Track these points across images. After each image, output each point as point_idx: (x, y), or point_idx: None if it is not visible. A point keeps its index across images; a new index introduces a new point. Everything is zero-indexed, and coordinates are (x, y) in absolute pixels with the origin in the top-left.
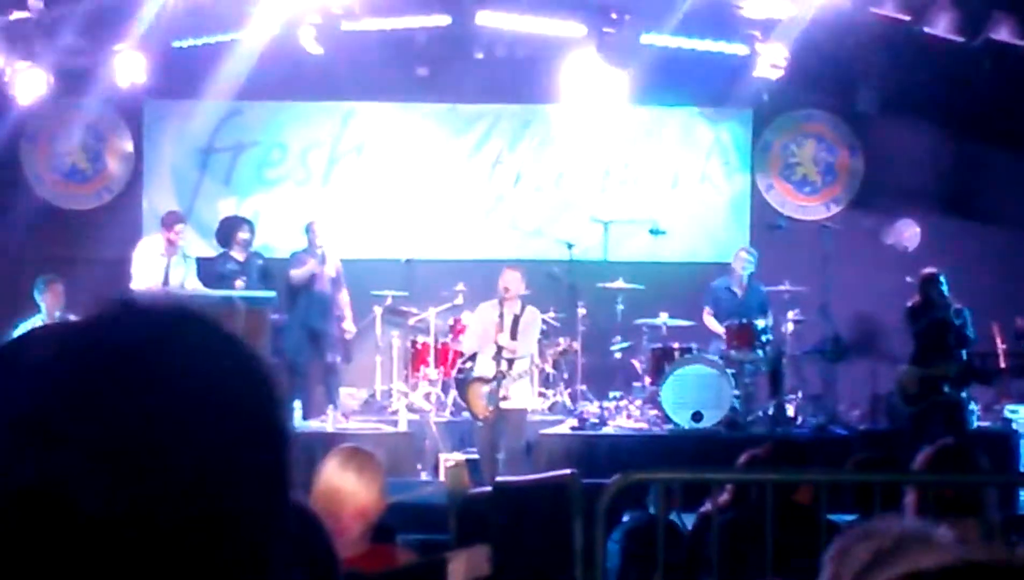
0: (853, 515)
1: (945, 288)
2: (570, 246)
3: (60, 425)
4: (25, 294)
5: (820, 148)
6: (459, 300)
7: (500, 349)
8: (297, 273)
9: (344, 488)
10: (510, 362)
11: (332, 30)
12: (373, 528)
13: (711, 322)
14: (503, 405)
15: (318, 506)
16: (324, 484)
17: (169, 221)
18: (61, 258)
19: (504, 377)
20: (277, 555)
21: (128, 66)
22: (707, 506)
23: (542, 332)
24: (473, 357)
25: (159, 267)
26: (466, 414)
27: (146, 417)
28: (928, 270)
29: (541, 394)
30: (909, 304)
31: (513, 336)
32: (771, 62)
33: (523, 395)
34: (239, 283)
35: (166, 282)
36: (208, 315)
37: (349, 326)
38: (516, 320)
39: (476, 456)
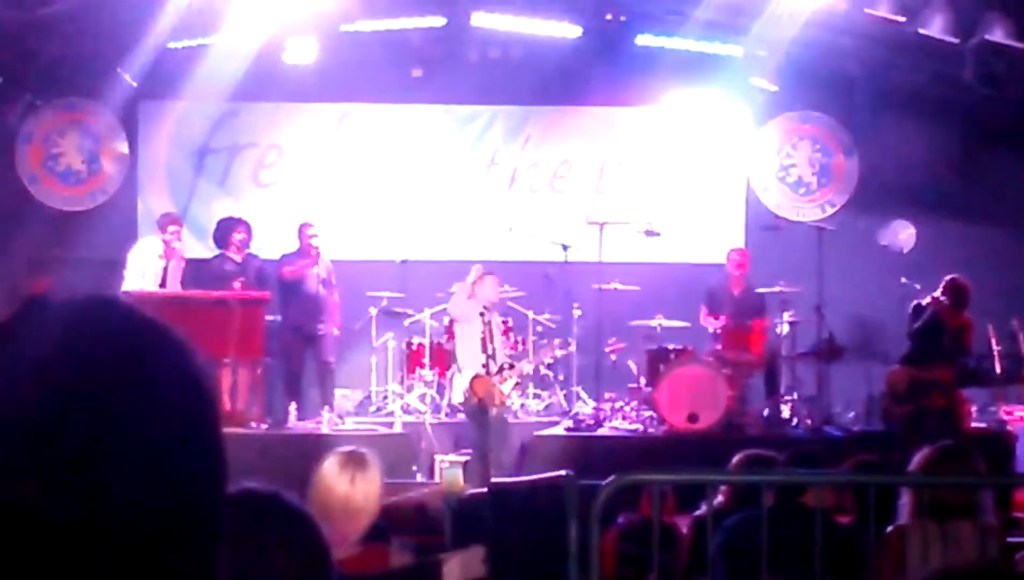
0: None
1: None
2: (565, 247)
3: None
4: (19, 296)
5: (815, 149)
6: None
7: (493, 355)
8: (289, 269)
9: (340, 490)
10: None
11: (328, 31)
12: (368, 529)
13: (708, 321)
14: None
15: (314, 508)
16: (321, 486)
17: (163, 223)
18: (55, 260)
19: (501, 370)
20: (213, 552)
21: (124, 68)
22: (703, 508)
23: (537, 334)
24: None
25: (156, 270)
26: (461, 416)
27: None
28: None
29: (536, 395)
30: (917, 302)
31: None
32: (766, 63)
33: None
34: (237, 284)
35: (163, 285)
36: (131, 306)
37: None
38: (489, 325)
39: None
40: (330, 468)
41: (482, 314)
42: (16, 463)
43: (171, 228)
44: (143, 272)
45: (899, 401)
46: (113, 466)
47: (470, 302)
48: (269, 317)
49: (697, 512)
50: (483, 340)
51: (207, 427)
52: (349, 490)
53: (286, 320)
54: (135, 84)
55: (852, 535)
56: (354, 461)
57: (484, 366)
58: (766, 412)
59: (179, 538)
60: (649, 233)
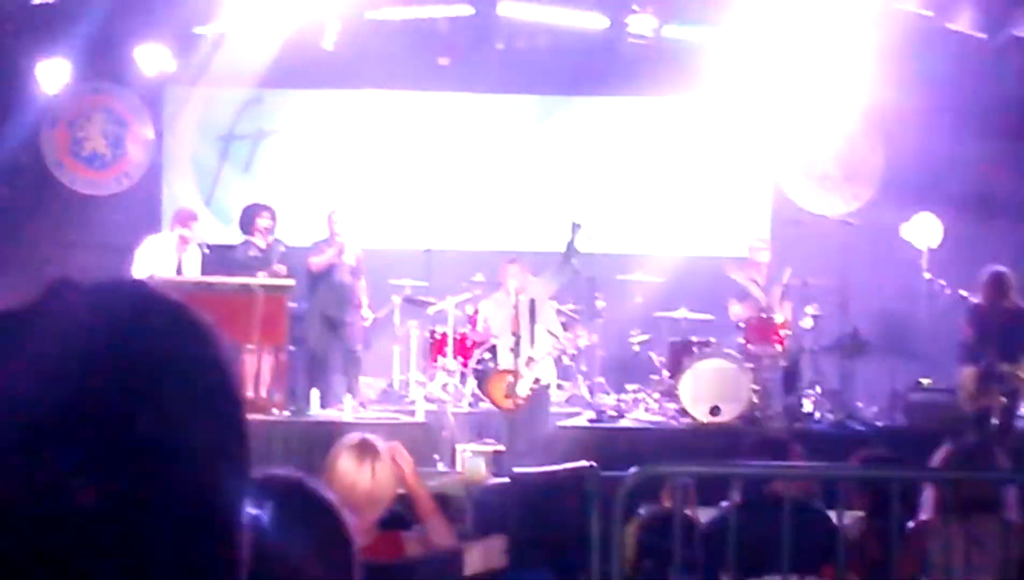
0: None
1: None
2: (590, 238)
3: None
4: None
5: (839, 143)
6: (478, 291)
7: (518, 340)
8: (316, 261)
9: (351, 477)
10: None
11: (355, 19)
12: (383, 517)
13: (736, 310)
14: (534, 386)
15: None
16: (332, 473)
17: (178, 218)
18: (80, 244)
19: (528, 362)
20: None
21: (151, 53)
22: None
23: (561, 324)
24: (492, 349)
25: (171, 262)
26: (484, 405)
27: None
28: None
29: (559, 386)
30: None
31: (532, 320)
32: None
33: (547, 372)
34: (264, 273)
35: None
36: (157, 289)
37: (366, 313)
38: (532, 304)
39: (496, 447)
40: (341, 454)
41: (515, 303)
42: (46, 444)
43: (182, 227)
44: (154, 266)
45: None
46: (144, 447)
47: (499, 296)
48: (296, 304)
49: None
50: (515, 330)
51: (230, 411)
52: (355, 475)
53: (314, 307)
54: (161, 68)
55: (829, 524)
56: (368, 451)
57: (513, 350)
58: (789, 406)
59: (201, 524)
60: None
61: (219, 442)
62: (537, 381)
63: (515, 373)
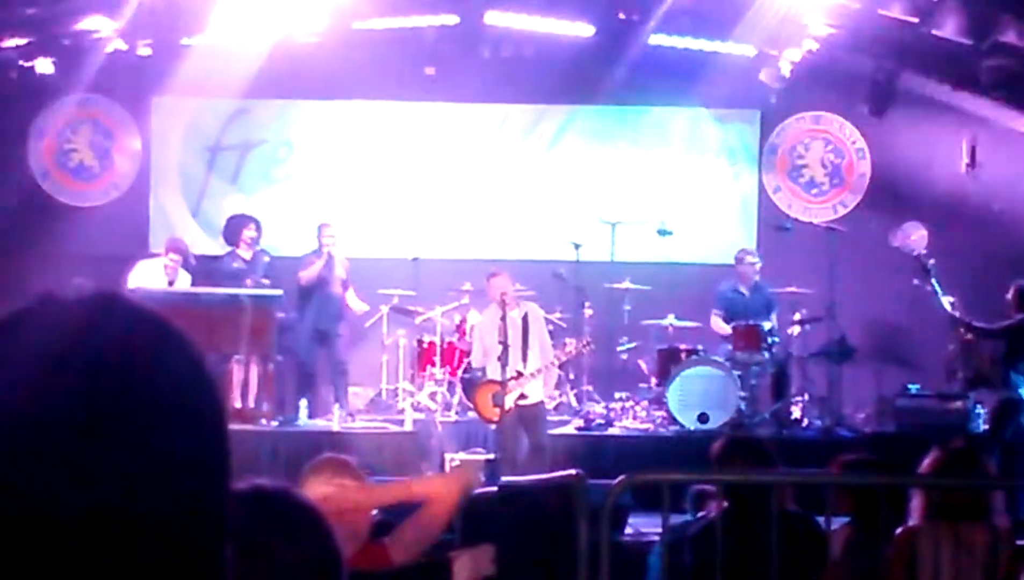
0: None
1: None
2: (577, 246)
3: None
4: (30, 291)
5: (827, 150)
6: (465, 299)
7: (506, 350)
8: (305, 274)
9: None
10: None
11: (340, 29)
12: (367, 529)
13: (719, 325)
14: (520, 402)
15: None
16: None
17: (176, 247)
18: (67, 255)
19: (517, 377)
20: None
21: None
22: (711, 509)
23: (549, 333)
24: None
25: (162, 285)
26: (472, 414)
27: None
28: None
29: (548, 395)
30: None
31: (525, 336)
32: (779, 64)
33: (536, 390)
34: (249, 282)
35: None
36: (137, 302)
37: (358, 305)
38: (525, 319)
39: (486, 455)
40: (310, 476)
41: (502, 315)
42: (18, 456)
43: (172, 256)
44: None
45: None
46: (115, 461)
47: (488, 310)
48: (281, 314)
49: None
50: (501, 339)
51: (211, 423)
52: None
53: (303, 319)
54: (147, 80)
55: (817, 529)
56: (330, 466)
57: (500, 359)
58: (777, 413)
59: (182, 535)
60: (662, 232)
61: (200, 454)
62: (523, 396)
63: (502, 384)
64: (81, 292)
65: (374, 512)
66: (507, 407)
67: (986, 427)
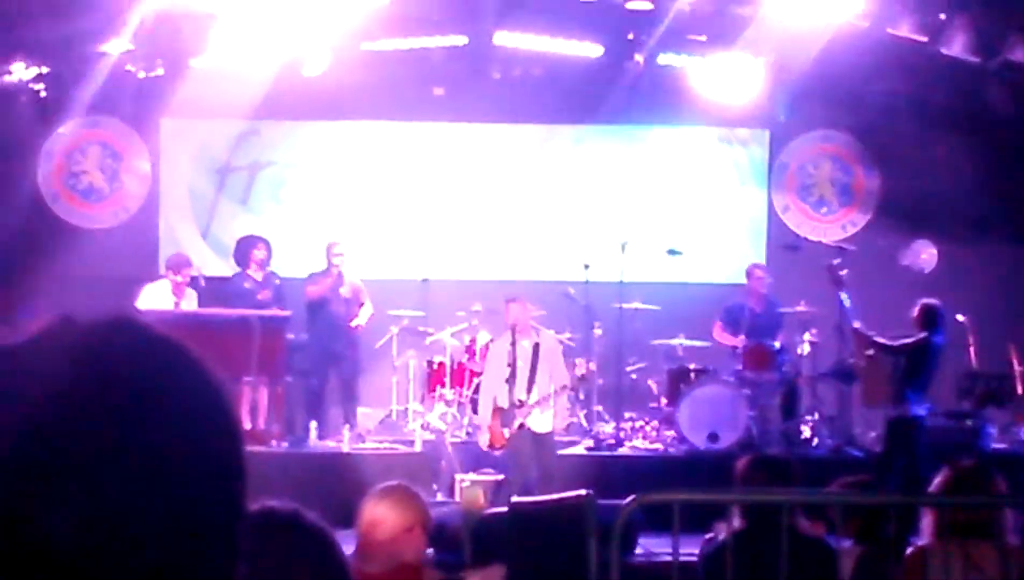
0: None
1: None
2: (586, 267)
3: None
4: (41, 313)
5: (836, 169)
6: (475, 320)
7: (513, 376)
8: (313, 289)
9: (375, 515)
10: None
11: (349, 50)
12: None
13: (723, 336)
14: (530, 428)
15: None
16: (361, 511)
17: (175, 264)
18: (77, 277)
19: (520, 405)
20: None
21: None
22: (719, 530)
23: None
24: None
25: (169, 306)
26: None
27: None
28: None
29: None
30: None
31: (534, 365)
32: (788, 82)
33: (543, 421)
34: (262, 296)
35: None
36: (149, 325)
37: (365, 314)
38: (536, 349)
39: (495, 477)
40: (370, 499)
41: (512, 341)
42: (27, 480)
43: (184, 270)
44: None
45: None
46: (125, 485)
47: (504, 335)
48: (294, 336)
49: (708, 535)
50: (509, 363)
51: (224, 445)
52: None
53: (312, 339)
54: (156, 102)
55: (830, 550)
56: (392, 492)
57: (508, 382)
58: (787, 432)
59: (196, 557)
60: (672, 252)
61: (214, 477)
62: (523, 426)
63: (505, 410)
64: (95, 315)
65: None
66: (507, 435)
67: (880, 448)
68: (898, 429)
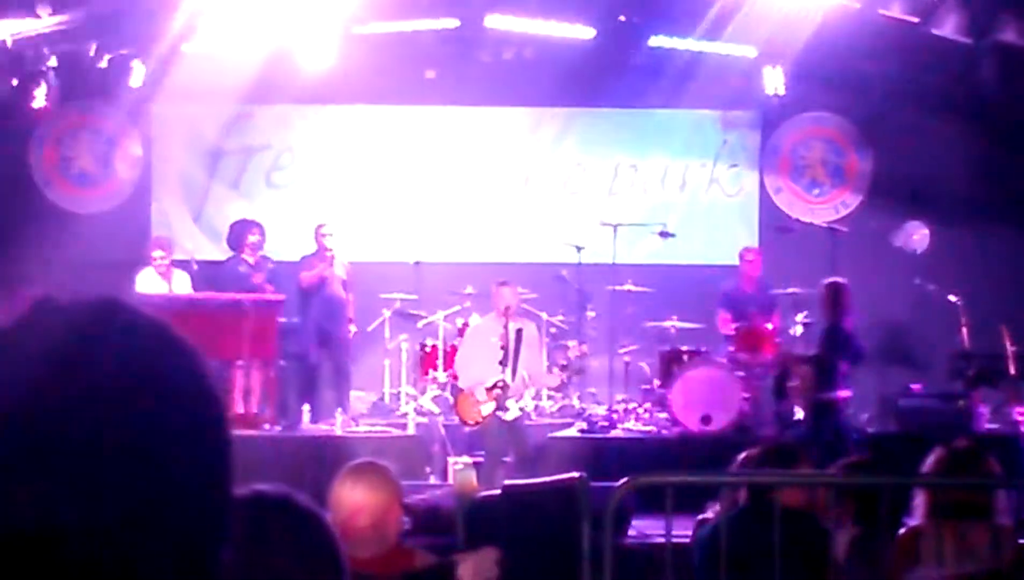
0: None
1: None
2: (579, 249)
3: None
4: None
5: (829, 150)
6: (468, 303)
7: (506, 357)
8: (306, 276)
9: (354, 500)
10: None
11: (340, 34)
12: (395, 533)
13: (729, 328)
14: (500, 414)
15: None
16: (336, 498)
17: (154, 245)
18: (70, 262)
19: (504, 387)
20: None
21: (137, 70)
22: (708, 512)
23: (551, 335)
24: None
25: (162, 290)
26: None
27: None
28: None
29: (550, 397)
30: None
31: (516, 351)
32: (780, 64)
33: (515, 408)
34: (256, 279)
35: None
36: (137, 309)
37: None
38: (519, 334)
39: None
40: (343, 481)
41: (504, 324)
42: (20, 464)
43: (157, 253)
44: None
45: None
46: (116, 469)
47: (487, 316)
48: (286, 319)
49: (701, 516)
50: (504, 345)
51: (211, 429)
52: (361, 499)
53: (305, 322)
54: (148, 86)
55: (822, 530)
56: (366, 472)
57: (501, 363)
58: (779, 414)
59: (183, 542)
60: (664, 234)
61: (202, 461)
62: (502, 409)
63: (489, 389)
64: (81, 298)
65: (405, 520)
66: (484, 415)
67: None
68: (822, 411)
